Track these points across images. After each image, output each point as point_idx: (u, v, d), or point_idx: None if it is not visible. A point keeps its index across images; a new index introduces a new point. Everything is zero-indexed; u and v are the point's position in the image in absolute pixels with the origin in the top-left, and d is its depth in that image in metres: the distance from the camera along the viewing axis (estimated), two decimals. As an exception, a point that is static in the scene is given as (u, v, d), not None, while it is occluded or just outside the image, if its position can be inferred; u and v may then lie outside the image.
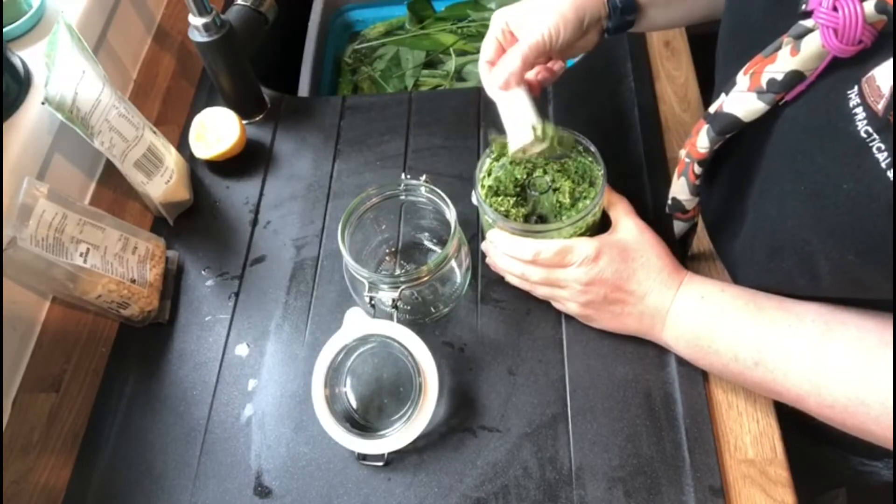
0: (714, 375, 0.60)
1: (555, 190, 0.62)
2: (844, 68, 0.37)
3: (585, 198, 0.61)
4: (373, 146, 0.79)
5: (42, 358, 0.69)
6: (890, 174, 0.34)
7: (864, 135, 0.35)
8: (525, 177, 0.63)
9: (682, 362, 0.59)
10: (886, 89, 0.33)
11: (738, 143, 0.51)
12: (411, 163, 0.77)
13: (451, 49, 1.04)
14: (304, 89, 0.95)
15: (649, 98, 0.78)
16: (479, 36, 1.06)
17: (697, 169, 0.52)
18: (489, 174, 0.63)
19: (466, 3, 1.09)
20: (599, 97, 0.79)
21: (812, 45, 0.38)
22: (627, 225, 0.59)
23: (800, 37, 0.38)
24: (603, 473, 0.56)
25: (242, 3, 0.79)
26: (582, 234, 0.60)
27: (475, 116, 0.80)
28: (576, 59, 0.85)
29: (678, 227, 0.61)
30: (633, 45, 0.83)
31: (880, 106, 0.34)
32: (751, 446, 0.56)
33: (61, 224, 0.59)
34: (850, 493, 0.95)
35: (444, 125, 0.80)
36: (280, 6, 0.82)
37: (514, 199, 0.62)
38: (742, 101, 0.44)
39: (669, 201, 0.58)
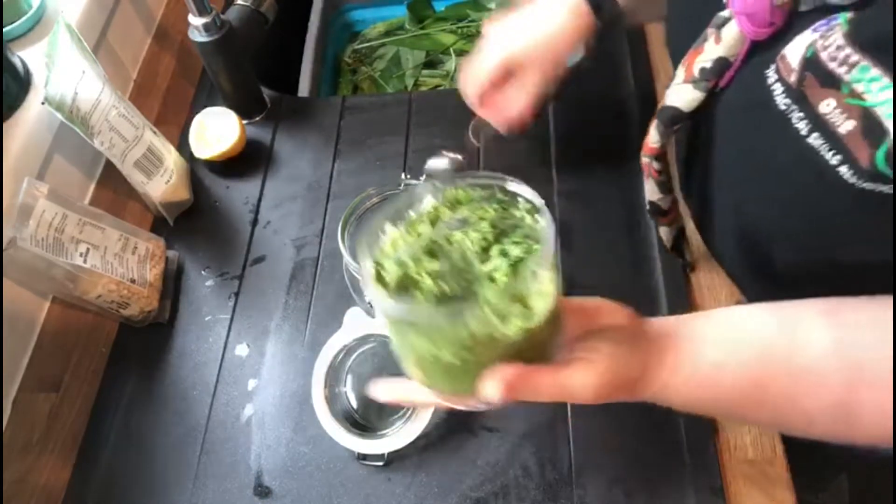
0: None
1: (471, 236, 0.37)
2: (763, 51, 0.40)
3: (519, 250, 0.35)
4: (373, 146, 0.79)
5: (42, 358, 0.69)
6: (809, 140, 0.36)
7: (783, 107, 0.38)
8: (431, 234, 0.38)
9: (682, 362, 0.59)
10: (796, 63, 0.37)
11: (698, 142, 0.53)
12: (411, 163, 0.77)
13: (451, 49, 1.04)
14: (304, 89, 0.95)
15: (649, 99, 0.78)
16: (480, 36, 1.06)
17: (656, 164, 0.53)
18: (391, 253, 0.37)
19: (466, 3, 1.09)
20: (599, 98, 0.79)
21: (731, 31, 0.41)
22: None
23: (720, 26, 0.42)
24: (603, 473, 0.56)
25: (242, 2, 0.79)
26: (536, 326, 0.35)
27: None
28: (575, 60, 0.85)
29: (664, 233, 0.61)
30: (633, 45, 0.83)
31: (792, 78, 0.37)
32: (751, 446, 0.56)
33: (61, 224, 0.59)
34: (850, 478, 0.95)
35: (444, 125, 0.79)
36: (280, 6, 0.82)
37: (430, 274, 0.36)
38: (679, 92, 0.47)
39: (647, 206, 0.58)
